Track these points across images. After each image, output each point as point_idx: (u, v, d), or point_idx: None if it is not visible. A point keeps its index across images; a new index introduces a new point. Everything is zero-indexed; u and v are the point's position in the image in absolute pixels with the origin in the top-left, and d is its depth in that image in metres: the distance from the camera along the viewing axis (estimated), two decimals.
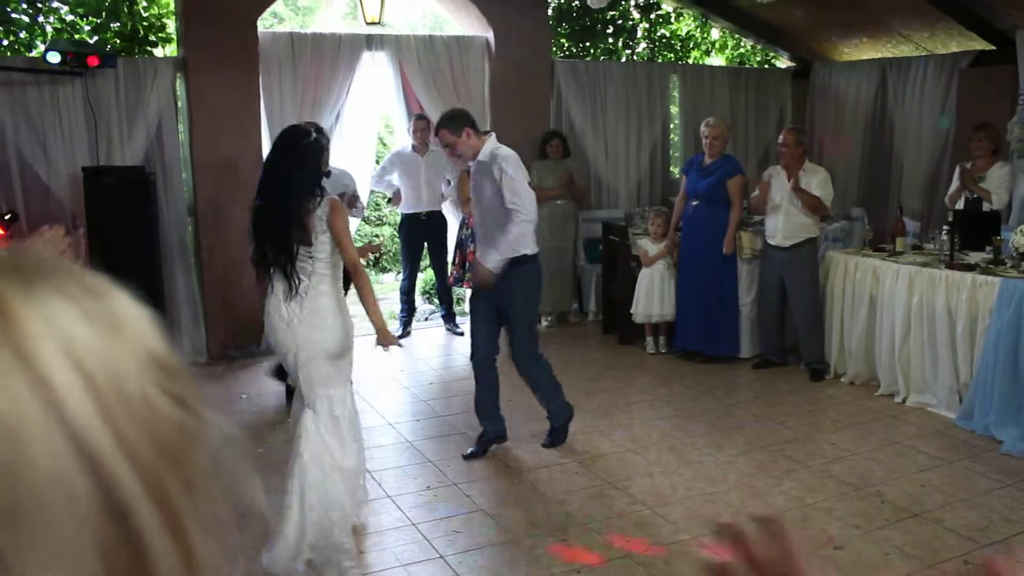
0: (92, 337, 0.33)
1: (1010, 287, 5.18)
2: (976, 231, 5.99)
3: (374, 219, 13.36)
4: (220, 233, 6.95)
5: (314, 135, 3.71)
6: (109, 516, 0.30)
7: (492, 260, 4.82)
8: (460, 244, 7.62)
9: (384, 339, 3.83)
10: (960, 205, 6.48)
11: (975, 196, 6.38)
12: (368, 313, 3.84)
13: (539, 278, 5.20)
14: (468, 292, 8.00)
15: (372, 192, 8.70)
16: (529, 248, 4.92)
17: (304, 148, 3.64)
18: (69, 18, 7.28)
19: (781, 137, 6.52)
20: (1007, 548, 3.89)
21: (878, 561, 3.81)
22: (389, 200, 9.11)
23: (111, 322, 0.34)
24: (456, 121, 4.83)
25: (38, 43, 7.11)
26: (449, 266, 7.85)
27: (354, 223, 6.99)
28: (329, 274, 3.63)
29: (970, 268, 5.57)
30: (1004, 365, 5.14)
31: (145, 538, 0.31)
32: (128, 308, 0.36)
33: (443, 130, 4.82)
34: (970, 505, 4.36)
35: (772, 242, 6.51)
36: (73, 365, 0.31)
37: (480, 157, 4.81)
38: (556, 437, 5.26)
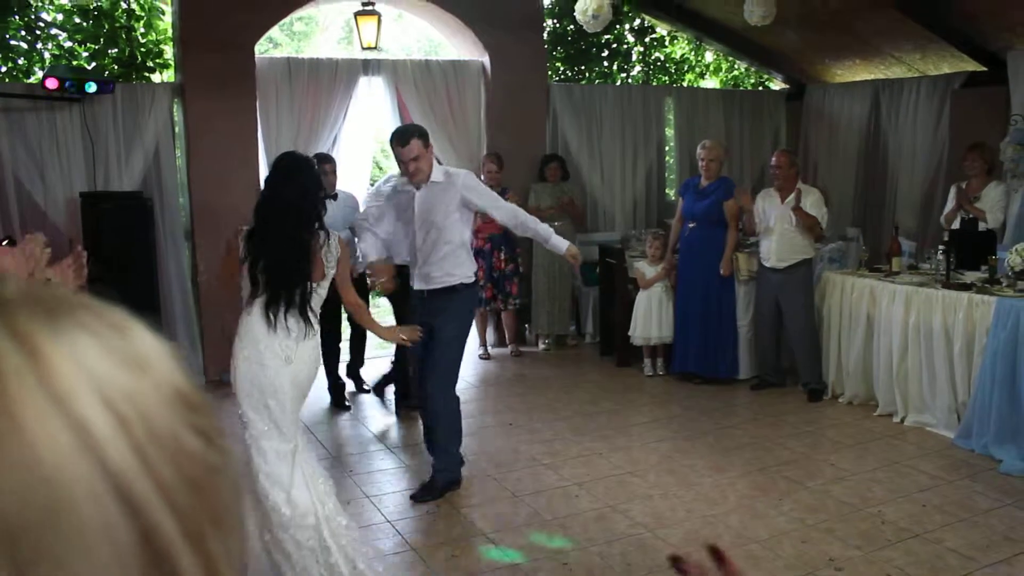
0: (121, 376, 0.33)
1: (1006, 306, 5.20)
2: (971, 251, 6.02)
3: None
4: (217, 258, 6.95)
5: (316, 165, 3.72)
6: (150, 560, 0.30)
7: (561, 241, 4.94)
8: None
9: (398, 338, 4.16)
10: (956, 225, 6.52)
11: (971, 216, 6.42)
12: (380, 336, 4.26)
13: (474, 308, 5.16)
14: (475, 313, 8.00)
15: None
16: (468, 276, 4.82)
17: (314, 176, 3.63)
18: (67, 44, 7.31)
19: (774, 159, 6.55)
20: (1009, 567, 3.89)
21: None
22: None
23: (136, 359, 0.34)
24: (425, 135, 4.71)
25: (36, 69, 7.14)
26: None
27: None
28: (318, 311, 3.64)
29: (966, 287, 5.59)
30: (1002, 384, 5.15)
31: None
32: (150, 344, 0.35)
33: (416, 140, 4.58)
34: (970, 525, 4.35)
35: (767, 264, 6.54)
36: (105, 406, 0.31)
37: (433, 178, 4.71)
38: (429, 492, 4.79)
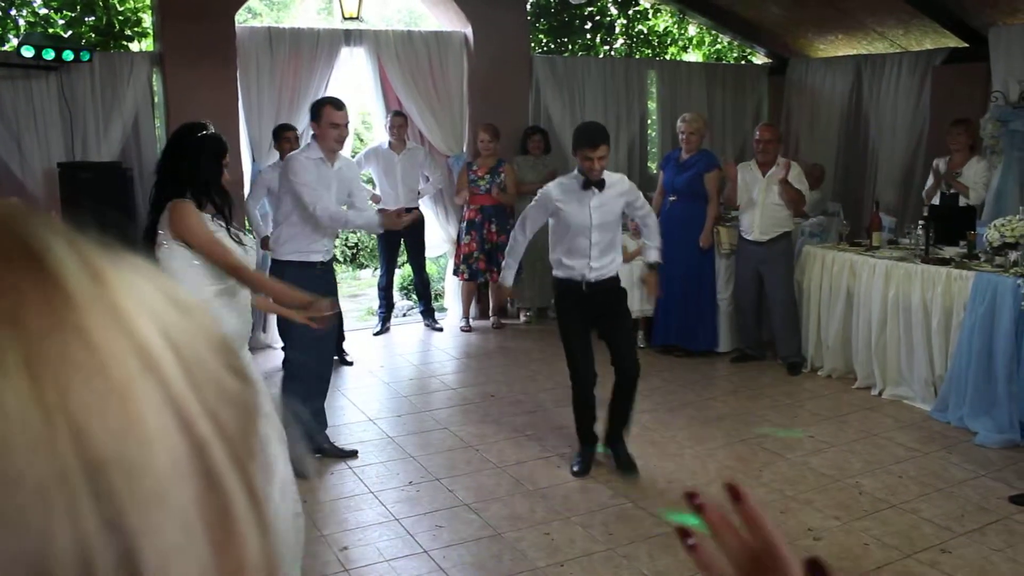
0: (171, 312, 0.35)
1: (984, 281, 5.25)
2: (951, 226, 6.07)
3: None
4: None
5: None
6: (202, 479, 0.32)
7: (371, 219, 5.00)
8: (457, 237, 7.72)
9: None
10: (936, 200, 6.56)
11: (951, 192, 6.47)
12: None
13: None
14: (459, 285, 8.03)
15: None
16: None
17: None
18: (43, 11, 7.20)
19: (759, 133, 6.54)
20: (983, 536, 3.96)
21: (857, 551, 3.86)
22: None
23: (181, 302, 0.36)
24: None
25: (11, 37, 7.03)
26: (434, 264, 7.89)
27: None
28: None
29: (945, 262, 5.64)
30: (978, 358, 5.21)
31: (232, 502, 0.33)
32: (188, 294, 0.38)
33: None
34: (946, 495, 4.42)
35: (748, 237, 6.57)
36: (162, 334, 0.33)
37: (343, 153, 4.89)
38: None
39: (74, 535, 0.28)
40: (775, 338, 6.68)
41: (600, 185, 4.64)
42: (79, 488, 0.28)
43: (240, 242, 3.47)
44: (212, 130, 3.50)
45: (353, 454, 5.04)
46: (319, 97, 5.05)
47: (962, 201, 6.41)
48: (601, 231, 4.68)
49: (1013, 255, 5.32)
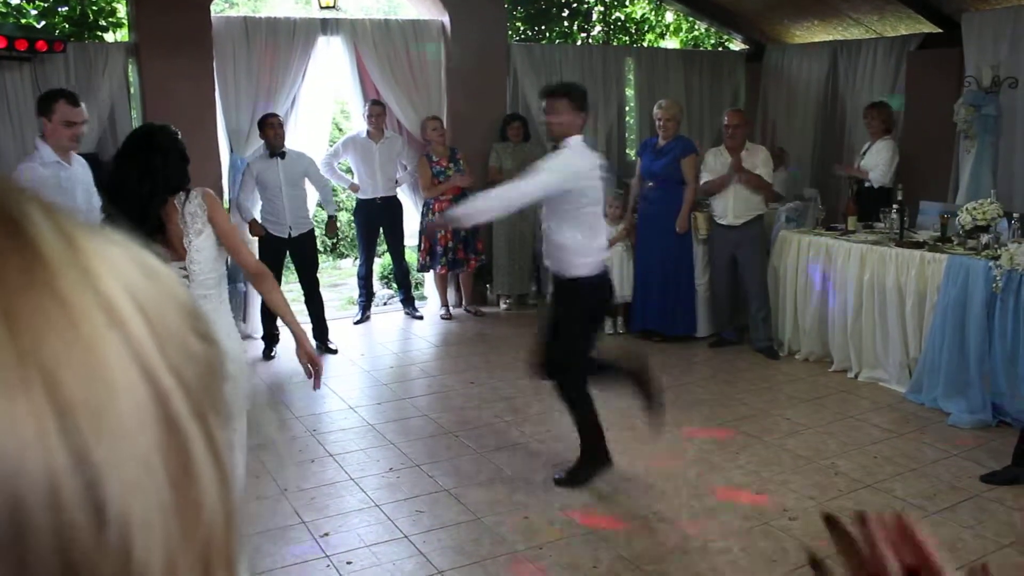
0: (140, 278, 0.37)
1: (956, 264, 5.32)
2: (866, 207, 6.43)
3: None
4: None
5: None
6: (164, 425, 0.35)
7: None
8: (425, 230, 7.67)
9: (306, 356, 3.21)
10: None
11: (863, 181, 6.76)
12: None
13: None
14: (432, 277, 8.07)
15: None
16: None
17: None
18: (15, 2, 7.14)
19: (728, 118, 6.61)
20: (954, 514, 4.03)
21: None
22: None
23: (151, 269, 0.39)
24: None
25: None
26: (414, 252, 7.89)
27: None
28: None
29: (919, 246, 5.71)
30: (951, 340, 5.29)
31: (192, 449, 0.36)
32: (158, 261, 0.40)
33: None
34: (919, 475, 4.50)
35: (723, 222, 6.63)
36: (129, 295, 0.36)
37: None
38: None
39: (44, 464, 0.31)
40: (748, 323, 6.75)
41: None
42: (49, 424, 0.31)
43: None
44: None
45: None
46: (51, 89, 4.64)
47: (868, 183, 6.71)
48: (546, 203, 4.45)
49: (984, 238, 5.39)
